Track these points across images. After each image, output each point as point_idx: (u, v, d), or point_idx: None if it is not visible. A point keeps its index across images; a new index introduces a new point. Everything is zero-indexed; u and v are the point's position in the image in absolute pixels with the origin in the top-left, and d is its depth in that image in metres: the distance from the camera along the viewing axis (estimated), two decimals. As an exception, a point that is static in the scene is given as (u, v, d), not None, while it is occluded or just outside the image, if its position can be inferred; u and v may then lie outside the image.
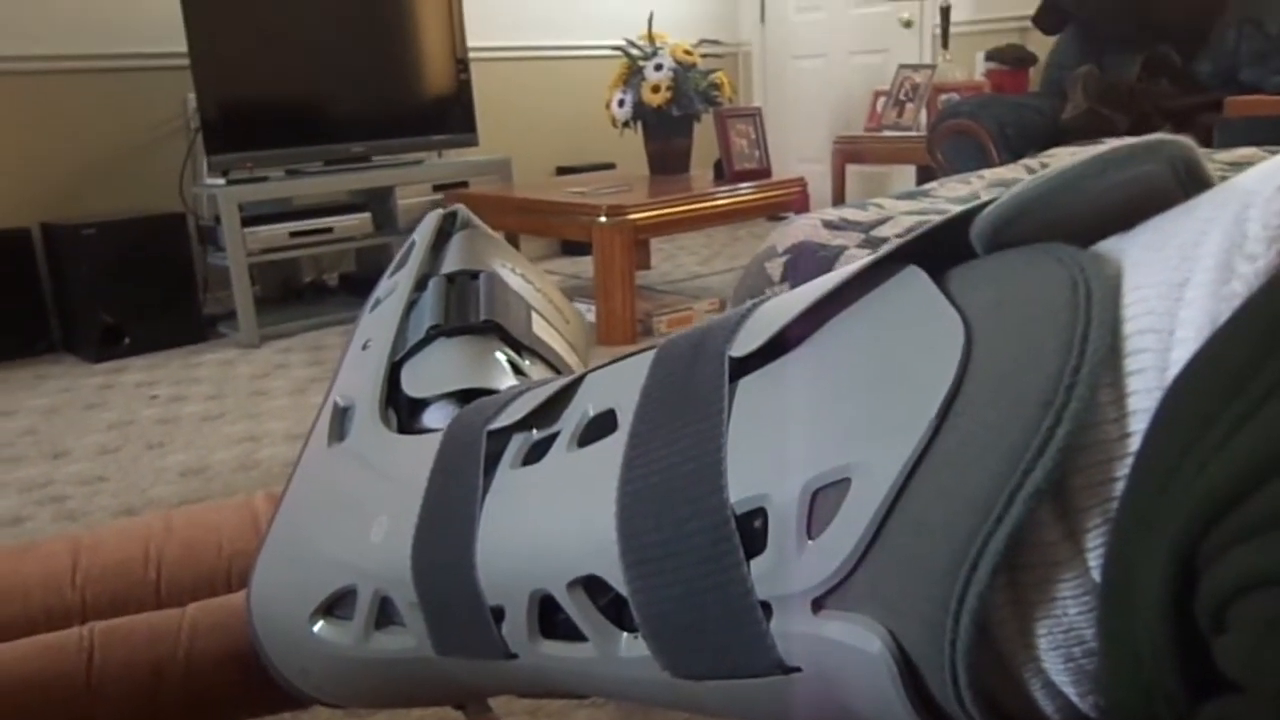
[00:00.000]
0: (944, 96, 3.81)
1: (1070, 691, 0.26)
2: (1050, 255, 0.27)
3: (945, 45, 4.15)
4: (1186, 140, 0.27)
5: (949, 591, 0.25)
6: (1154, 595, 0.22)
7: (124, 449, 2.27)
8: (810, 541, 0.28)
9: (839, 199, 3.92)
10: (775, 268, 1.43)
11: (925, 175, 3.84)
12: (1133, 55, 3.00)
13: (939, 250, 0.30)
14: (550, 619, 0.38)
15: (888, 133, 4.07)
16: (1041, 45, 3.51)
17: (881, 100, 4.18)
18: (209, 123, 3.10)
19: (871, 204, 1.58)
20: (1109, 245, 0.28)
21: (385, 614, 0.45)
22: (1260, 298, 0.22)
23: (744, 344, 0.33)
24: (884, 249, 0.30)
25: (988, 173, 1.93)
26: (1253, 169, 0.25)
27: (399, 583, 0.42)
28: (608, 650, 0.35)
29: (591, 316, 2.80)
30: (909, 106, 4.05)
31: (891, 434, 0.27)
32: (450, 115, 3.66)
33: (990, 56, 3.76)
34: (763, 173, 3.22)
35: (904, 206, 1.57)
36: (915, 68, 4.13)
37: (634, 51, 3.38)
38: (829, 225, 1.46)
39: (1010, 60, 3.68)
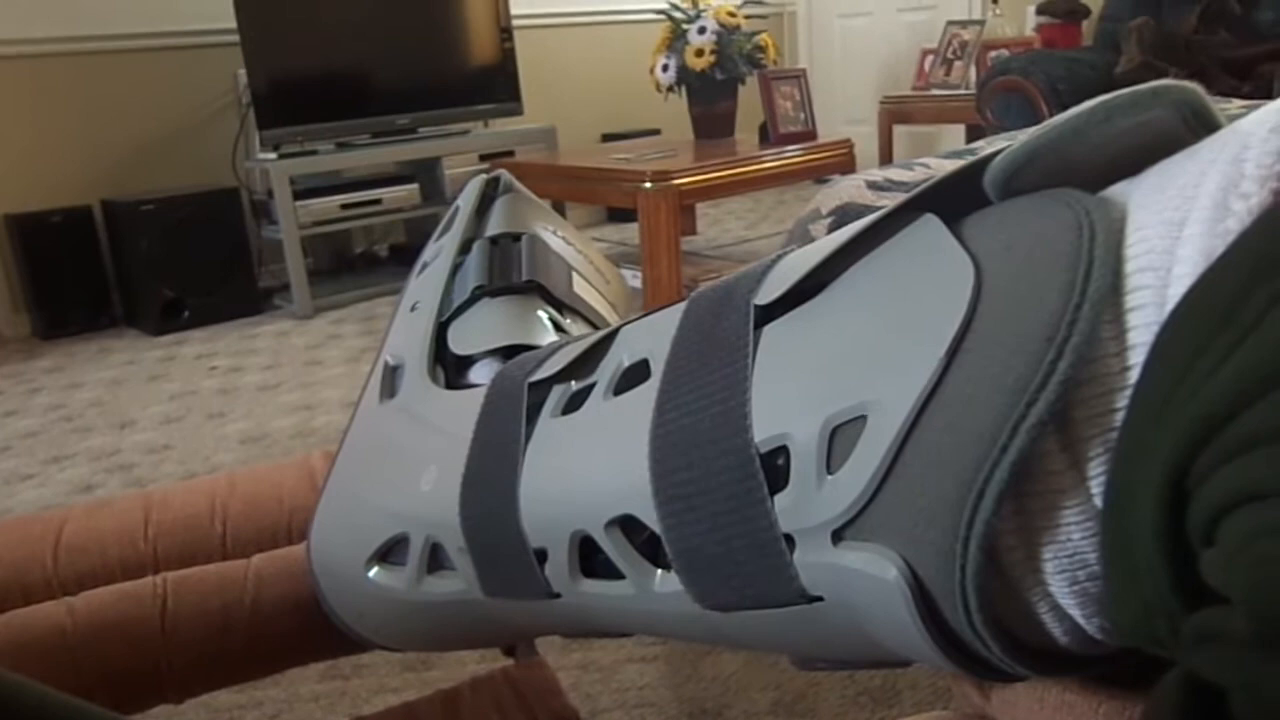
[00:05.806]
0: (993, 53, 3.74)
1: (1076, 614, 0.28)
2: (1058, 200, 0.28)
3: (995, 0, 4.07)
4: (1192, 85, 0.28)
5: (958, 519, 0.26)
6: (1150, 517, 0.23)
7: (186, 418, 2.35)
8: (829, 476, 0.30)
9: (886, 160, 3.87)
10: (819, 230, 1.42)
11: (975, 134, 3.77)
12: (1190, 4, 2.91)
13: (955, 198, 0.31)
14: (590, 559, 0.40)
15: (936, 91, 4.00)
16: (1094, -3, 3.42)
17: (929, 58, 4.11)
18: (259, 98, 3.15)
19: (918, 164, 1.56)
20: (1117, 189, 0.28)
21: (436, 559, 0.47)
22: (1251, 233, 0.23)
23: (768, 292, 0.35)
24: (901, 199, 0.31)
25: (1036, 129, 1.89)
26: (1254, 112, 0.26)
27: (448, 528, 0.45)
28: (644, 586, 0.37)
29: (638, 283, 2.81)
30: (957, 64, 3.98)
31: (904, 372, 0.28)
32: (495, 85, 3.68)
33: (1041, 10, 3.67)
34: (808, 135, 3.19)
35: (950, 166, 1.55)
36: (964, 24, 4.05)
37: (677, 15, 3.36)
38: (873, 186, 1.45)
39: (1062, 13, 3.59)
